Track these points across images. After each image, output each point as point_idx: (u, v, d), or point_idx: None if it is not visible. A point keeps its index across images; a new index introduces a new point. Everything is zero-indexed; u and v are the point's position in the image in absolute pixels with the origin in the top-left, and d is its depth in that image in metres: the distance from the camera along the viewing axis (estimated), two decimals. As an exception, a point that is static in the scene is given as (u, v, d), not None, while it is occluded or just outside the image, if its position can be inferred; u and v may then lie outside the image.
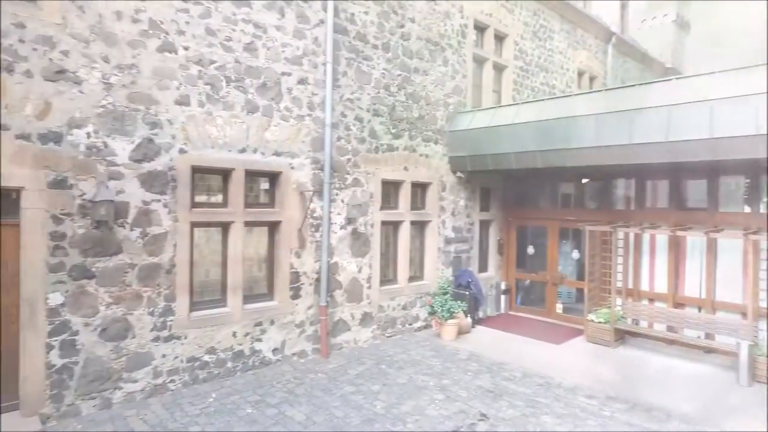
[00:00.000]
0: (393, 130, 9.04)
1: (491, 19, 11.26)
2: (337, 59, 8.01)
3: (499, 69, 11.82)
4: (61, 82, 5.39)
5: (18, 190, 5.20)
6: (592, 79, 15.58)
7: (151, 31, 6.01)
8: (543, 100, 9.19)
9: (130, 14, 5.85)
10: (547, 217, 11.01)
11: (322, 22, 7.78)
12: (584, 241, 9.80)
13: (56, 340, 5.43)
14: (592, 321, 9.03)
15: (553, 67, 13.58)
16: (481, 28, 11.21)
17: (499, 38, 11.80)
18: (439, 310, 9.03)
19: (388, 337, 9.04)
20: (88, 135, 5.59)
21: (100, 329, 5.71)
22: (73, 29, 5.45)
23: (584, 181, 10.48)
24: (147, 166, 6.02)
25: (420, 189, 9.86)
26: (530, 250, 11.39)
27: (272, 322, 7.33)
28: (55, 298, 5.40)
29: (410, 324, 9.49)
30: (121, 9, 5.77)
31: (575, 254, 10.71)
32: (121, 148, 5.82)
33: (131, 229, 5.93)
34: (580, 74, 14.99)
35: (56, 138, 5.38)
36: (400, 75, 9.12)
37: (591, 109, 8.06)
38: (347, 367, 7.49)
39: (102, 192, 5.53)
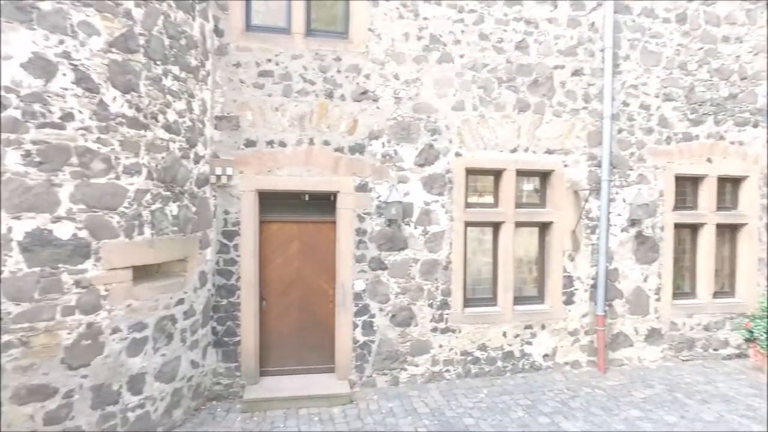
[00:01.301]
0: (691, 116, 7.54)
1: None
2: (617, 43, 7.17)
3: None
4: (364, 102, 6.40)
5: (335, 194, 6.41)
6: None
7: (431, 46, 6.56)
8: None
9: (415, 33, 6.51)
10: None
11: (599, 4, 7.09)
12: None
13: (359, 320, 6.46)
14: None
15: None
16: (828, -34, 8.31)
17: None
18: (762, 338, 7.06)
19: (683, 360, 7.57)
20: (383, 144, 6.47)
21: (390, 315, 6.54)
22: (372, 55, 6.40)
23: None
24: (428, 170, 6.59)
25: (730, 184, 7.94)
26: None
27: (543, 327, 7.04)
28: (359, 285, 6.44)
29: (715, 349, 7.72)
30: (408, 30, 6.48)
31: None
32: (408, 155, 6.54)
33: (415, 227, 6.58)
34: None
35: (360, 149, 6.41)
36: (701, 48, 7.54)
37: None
38: (630, 387, 6.58)
39: (393, 194, 6.31)
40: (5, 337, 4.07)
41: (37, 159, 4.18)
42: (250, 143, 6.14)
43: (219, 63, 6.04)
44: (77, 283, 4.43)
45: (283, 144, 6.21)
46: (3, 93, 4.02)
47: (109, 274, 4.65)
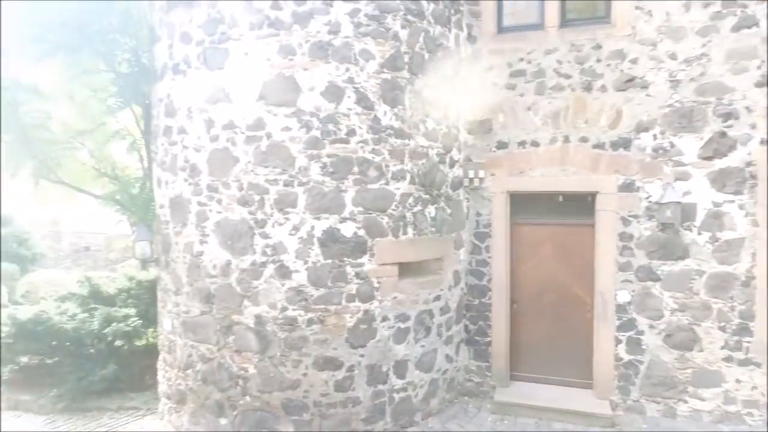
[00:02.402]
0: None
1: None
2: None
3: None
4: (629, 90, 5.65)
5: (593, 195, 5.84)
6: None
7: (724, 11, 5.33)
8: None
9: (699, 1, 5.41)
10: None
11: None
12: None
13: (623, 336, 5.72)
14: None
15: None
16: None
17: None
18: None
19: None
20: (654, 137, 5.59)
21: (664, 334, 5.58)
22: (641, 35, 5.59)
23: None
24: (718, 164, 5.39)
25: None
26: None
27: None
28: (623, 296, 5.71)
29: None
30: (689, -1, 5.44)
31: None
32: (689, 147, 5.47)
33: (699, 233, 5.46)
34: None
35: (625, 143, 5.68)
36: None
37: None
38: None
39: (668, 193, 5.38)
40: (309, 315, 5.06)
41: (330, 170, 5.06)
42: (501, 145, 6.14)
43: (471, 69, 6.21)
44: (357, 275, 5.18)
45: (535, 144, 6.00)
46: (308, 117, 5.01)
47: (380, 269, 5.29)
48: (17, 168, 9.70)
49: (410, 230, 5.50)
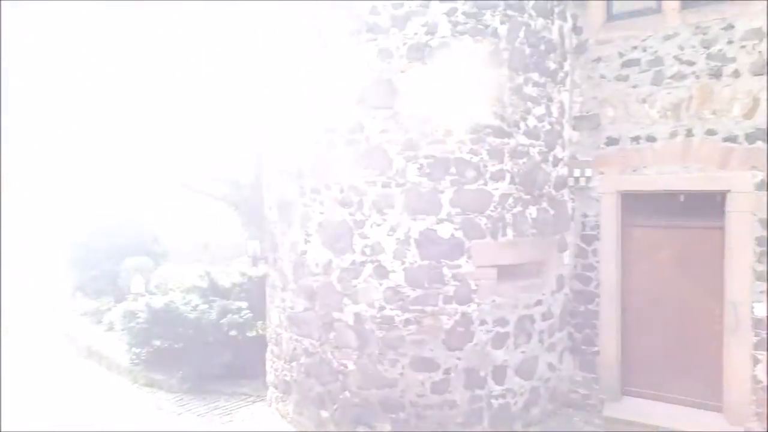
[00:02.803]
0: None
1: None
2: None
3: None
4: (770, 73, 4.94)
5: (723, 194, 5.19)
6: None
7: None
8: None
9: None
10: None
11: None
12: None
13: (762, 354, 5.00)
14: None
15: None
16: None
17: None
18: None
19: None
20: (804, 126, 4.83)
21: (816, 356, 4.80)
22: (786, 10, 4.86)
23: None
24: None
25: None
26: None
27: None
28: (761, 309, 4.99)
29: None
30: None
31: None
32: None
33: None
34: None
35: (764, 136, 4.97)
36: None
37: None
38: None
39: (821, 191, 4.61)
40: (406, 315, 5.11)
41: (427, 170, 5.06)
42: (611, 141, 5.69)
43: (577, 62, 5.85)
44: (454, 277, 5.12)
45: (651, 139, 5.48)
46: (405, 119, 5.04)
47: (478, 271, 5.18)
48: (150, 173, 11.04)
49: (510, 232, 5.31)
